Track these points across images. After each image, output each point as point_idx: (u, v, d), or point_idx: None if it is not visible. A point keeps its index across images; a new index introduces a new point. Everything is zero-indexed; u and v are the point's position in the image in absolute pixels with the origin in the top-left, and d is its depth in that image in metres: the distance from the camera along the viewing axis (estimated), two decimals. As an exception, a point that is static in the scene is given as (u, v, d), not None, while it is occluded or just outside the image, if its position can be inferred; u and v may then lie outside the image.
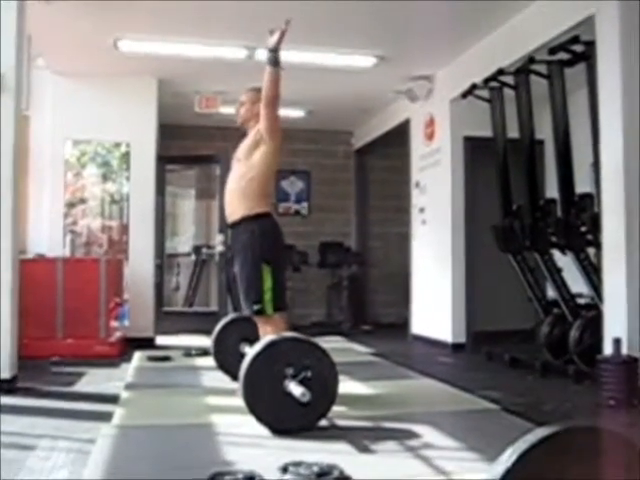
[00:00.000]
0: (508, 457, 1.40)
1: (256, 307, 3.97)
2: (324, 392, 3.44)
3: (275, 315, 3.98)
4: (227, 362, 4.83)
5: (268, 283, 3.95)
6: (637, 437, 1.48)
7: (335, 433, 3.43)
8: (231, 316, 5.24)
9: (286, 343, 3.53)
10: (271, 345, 3.47)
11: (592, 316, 5.05)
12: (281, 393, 3.35)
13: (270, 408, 3.38)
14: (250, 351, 3.57)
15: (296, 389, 3.29)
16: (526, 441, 1.41)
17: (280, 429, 3.36)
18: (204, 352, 5.90)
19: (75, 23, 5.67)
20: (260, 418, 3.40)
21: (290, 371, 3.38)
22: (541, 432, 1.42)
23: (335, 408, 3.54)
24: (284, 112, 8.24)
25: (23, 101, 4.92)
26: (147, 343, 6.92)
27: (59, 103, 7.13)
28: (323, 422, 3.55)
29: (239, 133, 4.37)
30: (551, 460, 1.41)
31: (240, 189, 4.09)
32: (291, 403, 3.32)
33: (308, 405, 3.29)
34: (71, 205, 7.38)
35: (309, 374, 3.38)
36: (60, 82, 7.12)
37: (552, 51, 5.06)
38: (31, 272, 5.75)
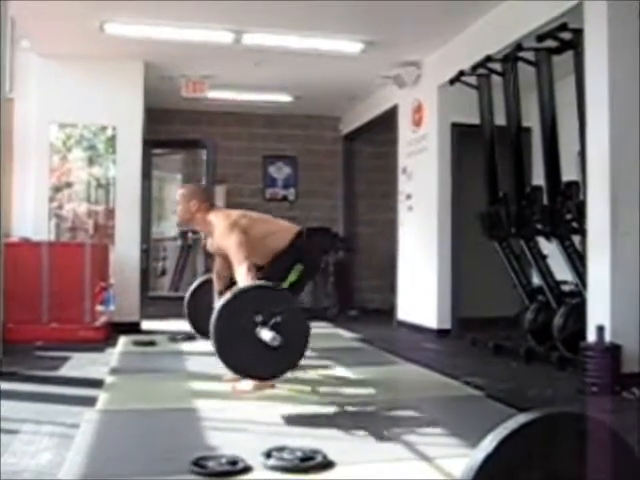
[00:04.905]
0: (489, 443, 1.40)
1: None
2: (296, 337, 3.44)
3: None
4: (200, 322, 4.75)
5: (292, 278, 4.05)
6: (618, 424, 1.50)
7: (318, 418, 3.43)
8: (204, 277, 5.17)
9: (254, 291, 3.50)
10: (238, 294, 3.43)
11: (576, 303, 5.07)
12: (253, 340, 3.33)
13: (242, 356, 3.37)
14: (218, 302, 3.55)
15: (266, 334, 3.29)
16: (507, 427, 1.41)
17: (255, 376, 3.35)
18: (189, 337, 5.89)
19: (60, 5, 5.60)
20: (234, 367, 3.38)
21: (259, 318, 3.36)
22: (522, 418, 1.43)
23: (320, 393, 3.54)
24: (271, 97, 8.33)
25: (6, 83, 4.87)
26: (133, 328, 6.90)
27: (44, 86, 7.04)
28: (306, 407, 3.56)
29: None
30: (531, 446, 1.42)
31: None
32: (264, 349, 3.32)
33: (281, 350, 3.30)
34: (57, 189, 7.31)
35: (279, 319, 3.38)
36: (45, 64, 7.03)
37: (540, 38, 5.05)
38: (16, 256, 5.71)
